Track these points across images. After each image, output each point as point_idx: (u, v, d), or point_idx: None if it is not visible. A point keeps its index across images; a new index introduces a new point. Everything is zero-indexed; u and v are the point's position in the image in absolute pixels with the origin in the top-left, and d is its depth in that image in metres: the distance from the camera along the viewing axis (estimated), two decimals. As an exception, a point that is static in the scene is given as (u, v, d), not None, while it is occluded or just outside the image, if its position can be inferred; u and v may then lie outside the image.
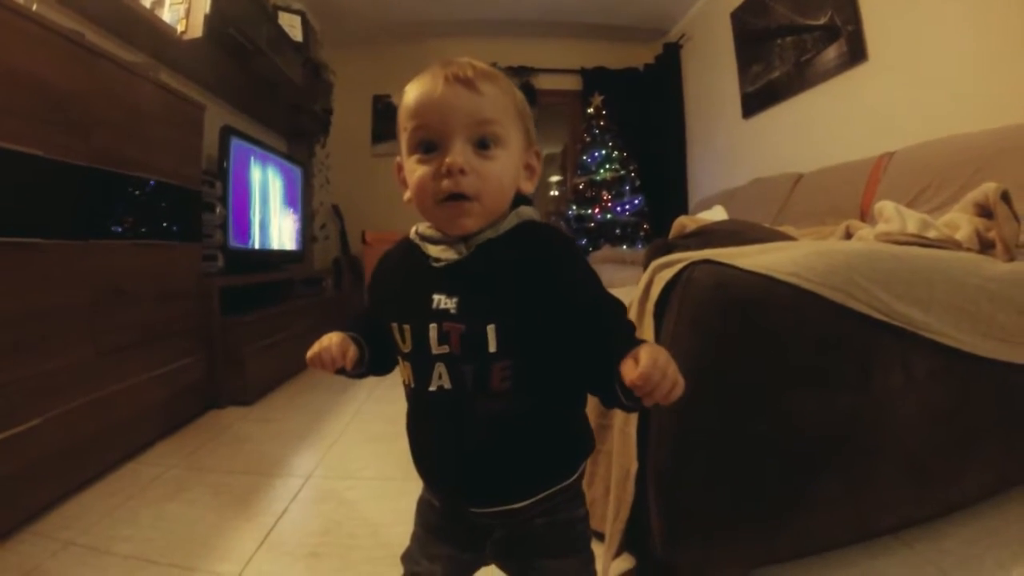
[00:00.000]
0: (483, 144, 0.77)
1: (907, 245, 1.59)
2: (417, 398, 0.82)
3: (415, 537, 0.93)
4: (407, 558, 0.93)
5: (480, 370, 0.75)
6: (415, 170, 0.78)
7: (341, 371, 0.84)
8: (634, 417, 1.32)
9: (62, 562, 1.53)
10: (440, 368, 0.77)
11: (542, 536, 0.85)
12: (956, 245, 1.63)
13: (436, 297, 0.77)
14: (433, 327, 0.76)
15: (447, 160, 0.74)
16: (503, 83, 0.80)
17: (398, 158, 0.85)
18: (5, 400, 1.65)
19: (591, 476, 1.52)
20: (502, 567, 0.91)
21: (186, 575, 1.48)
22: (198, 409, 2.81)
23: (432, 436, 0.83)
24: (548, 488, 0.83)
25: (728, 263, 1.25)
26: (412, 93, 0.78)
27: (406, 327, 0.79)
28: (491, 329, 0.74)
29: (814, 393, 1.31)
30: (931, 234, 1.66)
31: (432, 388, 0.78)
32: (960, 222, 1.71)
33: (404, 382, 0.83)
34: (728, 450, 1.29)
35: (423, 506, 0.93)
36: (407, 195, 0.82)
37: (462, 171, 0.74)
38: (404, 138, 0.80)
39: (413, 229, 0.86)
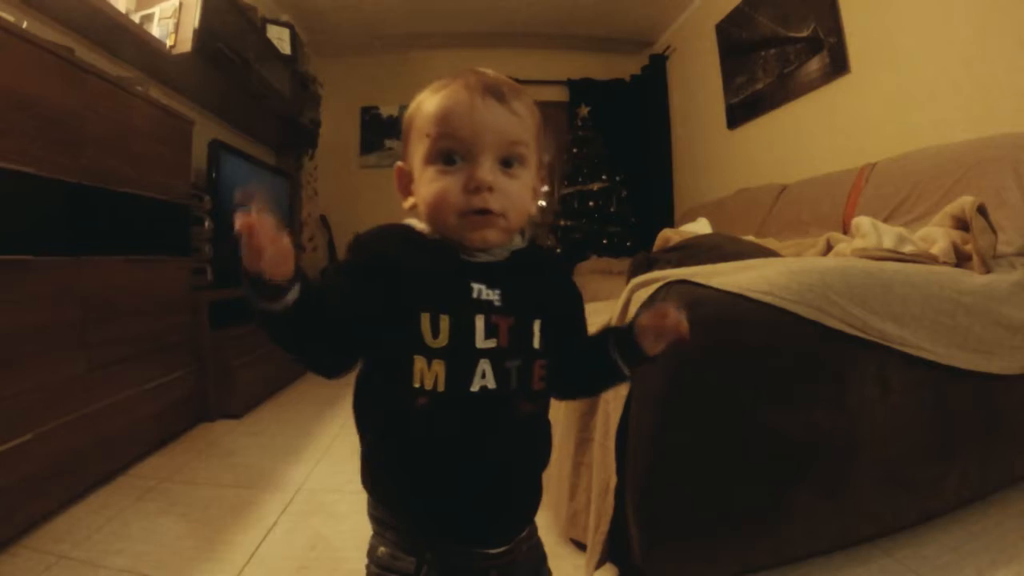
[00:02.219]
0: (508, 163, 0.75)
1: (882, 260, 1.63)
2: (445, 405, 0.71)
3: None
4: None
5: (524, 367, 0.74)
6: (434, 180, 0.73)
7: (261, 287, 0.60)
8: (613, 430, 1.35)
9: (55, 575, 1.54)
10: (484, 365, 0.72)
11: (524, 563, 0.82)
12: (932, 259, 1.67)
13: (476, 287, 0.73)
14: (480, 318, 0.72)
15: (478, 176, 0.71)
16: (529, 102, 0.79)
17: (400, 164, 0.81)
18: (-2, 415, 1.67)
19: (573, 488, 1.55)
20: None
21: (177, 589, 1.49)
22: (188, 423, 2.82)
23: (466, 447, 0.73)
24: (540, 500, 0.83)
25: (703, 283, 1.29)
26: (438, 100, 0.74)
27: (444, 317, 0.71)
28: (537, 324, 0.76)
29: (790, 407, 1.36)
30: (907, 249, 1.70)
31: (474, 388, 0.71)
32: (936, 236, 1.75)
33: (420, 388, 0.70)
34: (705, 463, 1.33)
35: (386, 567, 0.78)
36: (410, 201, 0.78)
37: (491, 189, 0.72)
38: (423, 144, 0.75)
39: (418, 223, 0.78)
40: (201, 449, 2.56)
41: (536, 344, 0.75)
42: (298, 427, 2.83)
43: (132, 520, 1.86)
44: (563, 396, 0.89)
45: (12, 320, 1.73)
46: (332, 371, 0.73)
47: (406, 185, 0.80)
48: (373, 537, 0.80)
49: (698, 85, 5.32)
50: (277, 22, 4.48)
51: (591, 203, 5.30)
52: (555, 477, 1.67)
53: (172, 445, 2.60)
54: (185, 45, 2.99)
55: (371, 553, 0.79)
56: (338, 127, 5.98)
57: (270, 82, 4.00)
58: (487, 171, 0.72)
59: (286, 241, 0.58)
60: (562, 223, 5.40)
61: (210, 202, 3.20)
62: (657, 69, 6.00)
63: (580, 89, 6.17)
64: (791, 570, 1.51)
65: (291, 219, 4.65)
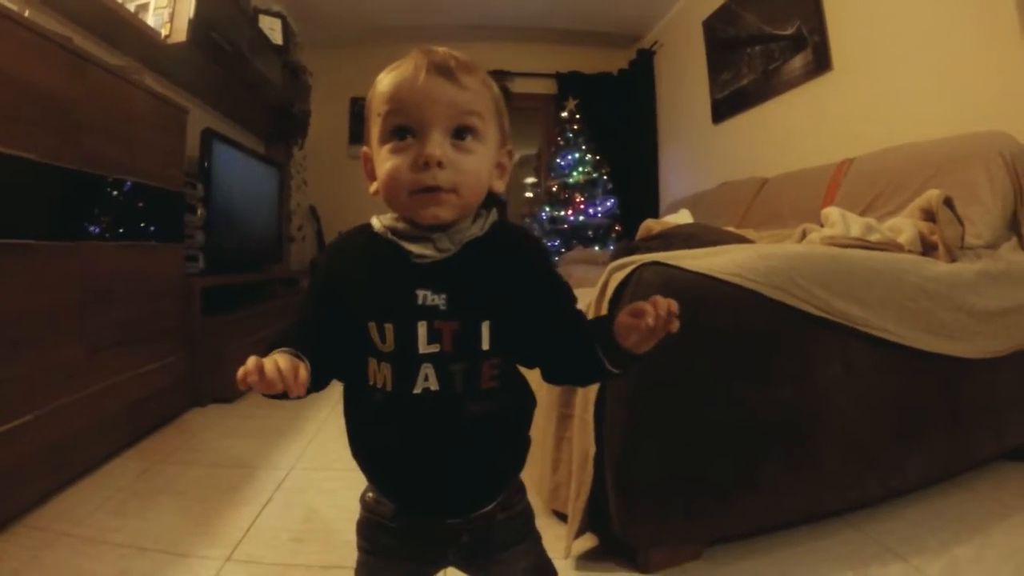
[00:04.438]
0: (460, 135, 0.74)
1: (849, 248, 1.71)
2: (393, 403, 0.75)
3: (363, 565, 0.88)
4: None
5: (470, 369, 0.74)
6: (387, 160, 0.74)
7: (281, 395, 0.65)
8: (592, 404, 1.43)
9: (58, 551, 1.58)
10: (427, 369, 0.73)
11: (503, 531, 0.85)
12: (898, 248, 1.75)
13: (421, 293, 0.73)
14: (422, 325, 0.73)
15: (426, 151, 0.71)
16: (483, 76, 0.78)
17: (364, 148, 0.82)
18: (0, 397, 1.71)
19: (555, 462, 1.63)
20: (463, 569, 0.90)
21: (178, 560, 1.55)
22: (182, 406, 2.87)
23: (412, 443, 0.77)
24: (506, 488, 0.85)
25: (675, 264, 1.37)
26: (388, 79, 0.75)
27: (388, 326, 0.73)
28: (486, 326, 0.74)
29: (758, 383, 1.45)
30: (873, 237, 1.77)
31: (417, 390, 0.73)
32: (903, 226, 1.82)
33: (373, 385, 0.76)
34: (677, 435, 1.41)
35: (369, 529, 0.87)
36: (374, 186, 0.78)
37: (440, 164, 0.71)
38: (376, 124, 0.76)
39: (376, 221, 0.81)
40: (195, 432, 2.62)
41: (485, 346, 0.74)
42: (289, 410, 2.88)
43: (130, 499, 1.92)
44: (554, 382, 0.89)
45: (15, 303, 1.77)
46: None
47: (371, 170, 0.80)
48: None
49: (684, 80, 5.36)
50: (269, 12, 4.49)
51: (578, 194, 5.36)
52: (539, 452, 1.73)
53: (166, 428, 2.65)
54: (180, 35, 3.02)
55: (362, 497, 0.89)
56: (328, 117, 6.00)
57: (262, 72, 4.02)
58: (435, 145, 0.72)
59: (294, 379, 0.64)
60: (549, 213, 5.45)
61: (203, 190, 3.24)
62: (644, 64, 6.03)
63: (568, 82, 6.20)
64: (762, 540, 1.59)
65: (281, 209, 4.68)
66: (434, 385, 0.73)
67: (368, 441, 0.82)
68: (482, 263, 0.77)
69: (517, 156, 9.06)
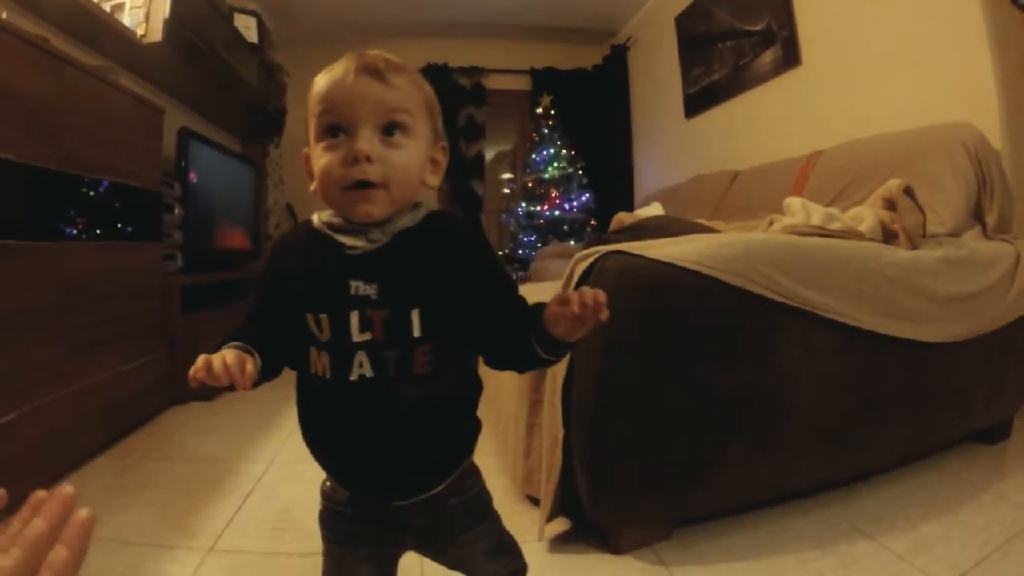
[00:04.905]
0: (389, 131, 0.77)
1: (809, 236, 1.76)
2: (332, 390, 0.79)
3: (328, 555, 0.95)
4: None
5: (403, 355, 0.76)
6: (321, 157, 0.77)
7: (229, 387, 0.71)
8: (559, 388, 1.47)
9: (40, 545, 1.61)
10: (361, 356, 0.76)
11: (457, 515, 0.88)
12: (858, 236, 1.80)
13: (353, 284, 0.77)
14: (354, 314, 0.76)
15: (355, 147, 0.74)
16: (413, 76, 0.81)
17: (305, 149, 0.83)
18: (-18, 395, 1.72)
19: (528, 448, 1.67)
20: (422, 552, 0.93)
21: (162, 552, 1.58)
22: (162, 404, 2.89)
23: (351, 428, 0.80)
24: (453, 472, 0.86)
25: (637, 253, 1.42)
26: (323, 81, 0.78)
27: (323, 316, 0.77)
28: (415, 314, 0.76)
29: (720, 365, 1.50)
30: (834, 226, 1.82)
31: (352, 377, 0.76)
32: (865, 215, 1.88)
33: (315, 373, 0.80)
34: (643, 418, 1.46)
35: (329, 518, 0.93)
36: (313, 185, 0.80)
37: (368, 158, 0.74)
38: (311, 124, 0.79)
39: (315, 217, 0.84)
40: (176, 429, 2.65)
41: (416, 333, 0.76)
42: (268, 407, 2.91)
43: (113, 495, 1.94)
44: (494, 367, 0.90)
45: (-2, 303, 1.79)
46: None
47: (310, 169, 0.81)
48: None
49: (658, 75, 5.42)
50: (244, 11, 4.50)
51: (553, 190, 5.39)
52: (511, 439, 1.78)
53: (147, 425, 2.67)
54: (156, 35, 3.03)
55: (321, 486, 0.93)
56: (304, 116, 5.84)
57: (237, 71, 4.03)
58: (364, 140, 0.74)
59: (241, 373, 0.69)
60: (525, 208, 5.49)
61: (180, 189, 3.25)
62: (619, 59, 6.09)
63: (543, 78, 6.23)
64: (732, 520, 1.65)
65: (258, 207, 4.68)
66: (368, 372, 0.76)
67: (314, 427, 0.85)
68: (413, 252, 0.79)
69: (493, 152, 9.06)
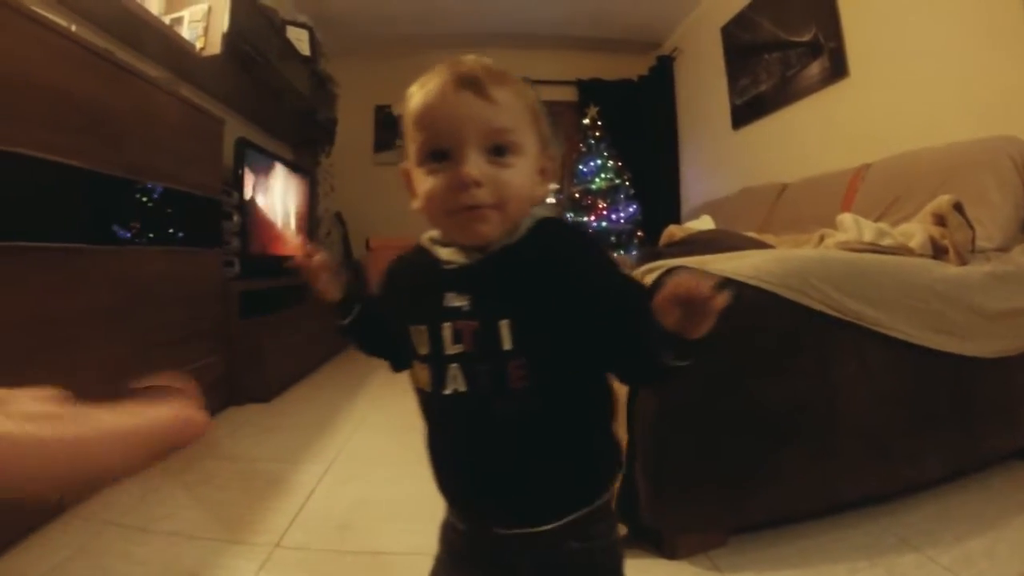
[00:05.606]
0: (499, 152, 0.72)
1: (862, 252, 1.78)
2: (432, 404, 0.78)
3: (438, 561, 0.87)
4: None
5: (495, 369, 0.71)
6: (424, 180, 0.73)
7: (331, 307, 0.88)
8: (626, 394, 1.51)
9: (107, 540, 1.66)
10: (454, 370, 0.73)
11: (575, 567, 0.78)
12: (909, 251, 1.82)
13: (448, 295, 0.73)
14: (447, 326, 0.73)
15: (463, 171, 0.69)
16: (517, 87, 0.75)
17: (403, 164, 0.81)
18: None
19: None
20: None
21: (227, 547, 1.64)
22: (220, 405, 2.98)
23: (449, 445, 0.79)
24: (574, 509, 0.76)
25: (699, 268, 1.45)
26: (419, 99, 0.73)
27: (422, 328, 0.75)
28: (504, 325, 0.70)
29: (777, 377, 1.54)
30: (885, 242, 1.84)
31: (447, 391, 0.73)
32: (915, 231, 1.89)
33: (419, 388, 0.79)
34: (703, 427, 1.50)
35: (447, 530, 0.86)
36: (416, 203, 0.77)
37: (477, 183, 0.69)
38: (412, 148, 0.75)
39: (426, 236, 0.81)
40: (233, 429, 2.71)
41: (507, 345, 0.70)
42: (326, 408, 2.99)
43: (175, 491, 1.99)
44: (629, 382, 0.89)
45: (70, 303, 1.88)
46: (395, 367, 0.89)
47: (412, 187, 0.78)
48: None
49: (704, 86, 5.44)
50: (295, 23, 4.58)
51: (600, 201, 5.41)
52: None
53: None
54: (214, 47, 3.14)
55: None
56: (353, 125, 6.08)
57: (290, 81, 4.13)
58: (472, 166, 0.70)
59: (324, 279, 0.90)
60: (572, 219, 5.50)
61: (237, 197, 3.36)
62: (664, 70, 6.11)
63: (589, 89, 6.26)
64: (785, 529, 1.67)
65: (309, 215, 4.78)
66: (462, 386, 0.73)
67: (428, 443, 0.82)
68: (510, 263, 0.73)
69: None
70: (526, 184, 0.75)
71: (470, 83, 0.71)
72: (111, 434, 0.42)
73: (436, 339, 0.74)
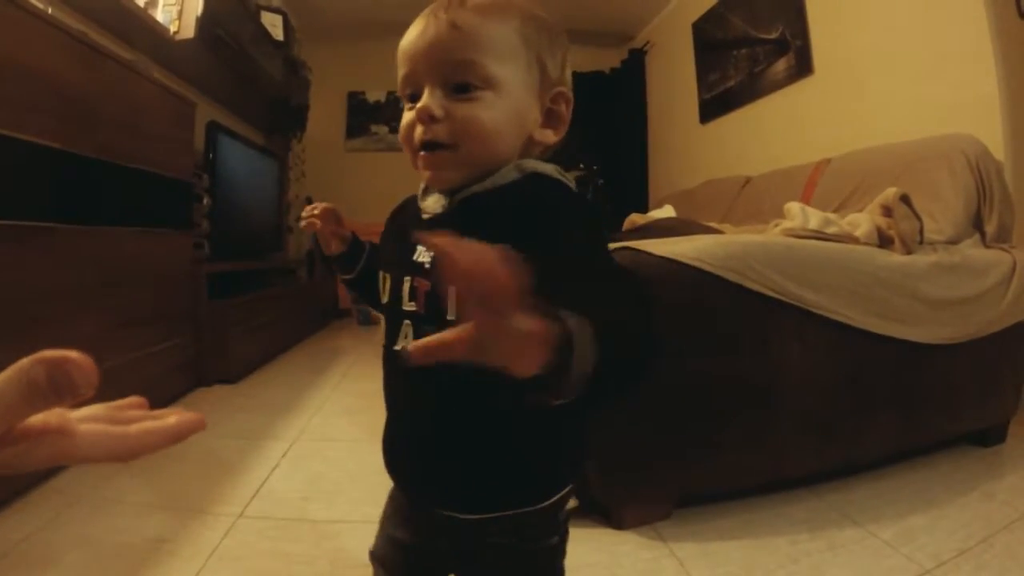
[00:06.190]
0: (462, 88, 0.65)
1: (806, 239, 1.86)
2: (386, 357, 0.73)
3: (385, 516, 0.83)
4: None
5: None
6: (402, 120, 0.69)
7: (335, 261, 0.89)
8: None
9: (78, 511, 1.70)
10: (406, 327, 0.68)
11: (496, 562, 0.73)
12: (854, 240, 1.89)
13: (420, 249, 0.67)
14: (407, 280, 0.68)
15: (417, 106, 0.65)
16: (505, 12, 0.67)
17: None
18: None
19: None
20: None
21: (194, 516, 1.68)
22: (188, 386, 2.99)
23: (394, 403, 0.75)
24: (505, 506, 0.69)
25: (643, 250, 1.53)
26: (402, 41, 0.69)
27: (387, 276, 0.72)
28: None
29: (719, 356, 1.61)
30: (831, 230, 1.91)
31: (397, 347, 0.69)
32: (861, 220, 1.96)
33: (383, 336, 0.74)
34: (646, 403, 1.56)
35: (391, 499, 0.83)
36: None
37: (432, 117, 0.64)
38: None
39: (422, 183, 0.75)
40: (202, 408, 2.62)
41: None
42: (292, 390, 3.04)
43: (144, 467, 1.99)
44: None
45: (40, 280, 1.89)
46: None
47: None
48: None
49: (674, 80, 5.50)
50: (270, 8, 4.58)
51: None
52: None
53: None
54: (188, 31, 3.16)
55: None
56: (326, 111, 6.11)
57: (263, 67, 4.16)
58: (427, 98, 0.65)
59: (327, 231, 0.89)
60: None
61: (208, 180, 3.37)
62: (636, 63, 6.15)
63: (561, 80, 6.25)
64: (729, 503, 1.75)
65: (279, 199, 4.80)
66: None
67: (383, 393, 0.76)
68: (476, 220, 0.64)
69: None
70: (499, 122, 0.66)
71: (440, 11, 0.65)
72: None
73: (396, 292, 0.69)
